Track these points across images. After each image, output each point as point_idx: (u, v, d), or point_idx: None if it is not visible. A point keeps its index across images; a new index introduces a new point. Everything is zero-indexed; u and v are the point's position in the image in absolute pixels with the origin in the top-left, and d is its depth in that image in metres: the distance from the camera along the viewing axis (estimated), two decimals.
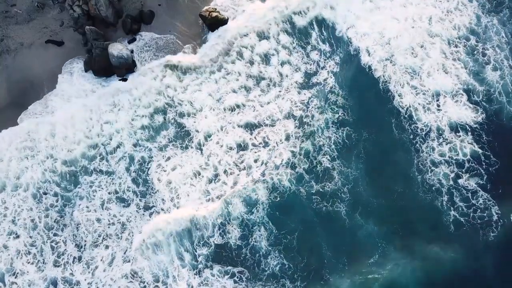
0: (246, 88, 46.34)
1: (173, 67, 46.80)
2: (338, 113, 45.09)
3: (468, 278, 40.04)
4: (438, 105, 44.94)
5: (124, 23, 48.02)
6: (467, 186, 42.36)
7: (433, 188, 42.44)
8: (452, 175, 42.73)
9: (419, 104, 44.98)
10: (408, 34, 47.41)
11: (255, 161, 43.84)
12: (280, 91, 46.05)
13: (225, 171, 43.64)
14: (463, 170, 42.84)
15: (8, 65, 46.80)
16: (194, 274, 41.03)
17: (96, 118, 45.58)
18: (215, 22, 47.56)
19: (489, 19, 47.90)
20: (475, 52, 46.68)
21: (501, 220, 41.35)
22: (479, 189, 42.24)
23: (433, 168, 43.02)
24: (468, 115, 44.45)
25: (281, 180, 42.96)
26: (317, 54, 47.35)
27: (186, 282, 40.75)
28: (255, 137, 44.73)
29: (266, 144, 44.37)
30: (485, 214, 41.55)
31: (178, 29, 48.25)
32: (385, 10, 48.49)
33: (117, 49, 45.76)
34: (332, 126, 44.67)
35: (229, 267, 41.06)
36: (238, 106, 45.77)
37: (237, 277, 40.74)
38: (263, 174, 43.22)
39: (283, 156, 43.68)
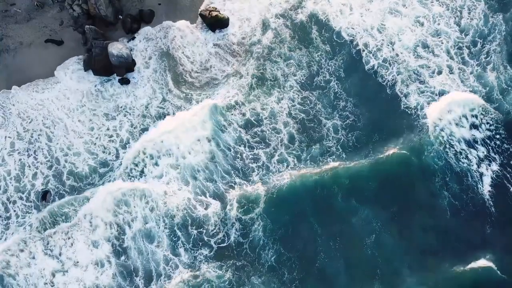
0: (251, 87, 45.77)
1: (176, 74, 46.42)
2: (347, 118, 44.67)
3: None
4: (443, 105, 44.31)
5: (124, 22, 47.64)
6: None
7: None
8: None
9: (424, 102, 44.49)
10: (411, 31, 46.97)
11: (255, 160, 43.31)
12: (282, 92, 45.60)
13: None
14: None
15: (8, 65, 46.51)
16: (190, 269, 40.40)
17: (98, 122, 45.16)
18: (216, 22, 47.08)
19: (495, 17, 47.35)
20: (479, 52, 46.19)
21: None
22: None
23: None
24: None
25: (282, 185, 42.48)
26: (317, 52, 46.86)
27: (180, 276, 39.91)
28: (252, 137, 44.22)
29: (267, 146, 43.77)
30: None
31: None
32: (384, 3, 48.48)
33: (117, 48, 45.33)
34: (340, 130, 44.21)
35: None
36: (239, 105, 45.22)
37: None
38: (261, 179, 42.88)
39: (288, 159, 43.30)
